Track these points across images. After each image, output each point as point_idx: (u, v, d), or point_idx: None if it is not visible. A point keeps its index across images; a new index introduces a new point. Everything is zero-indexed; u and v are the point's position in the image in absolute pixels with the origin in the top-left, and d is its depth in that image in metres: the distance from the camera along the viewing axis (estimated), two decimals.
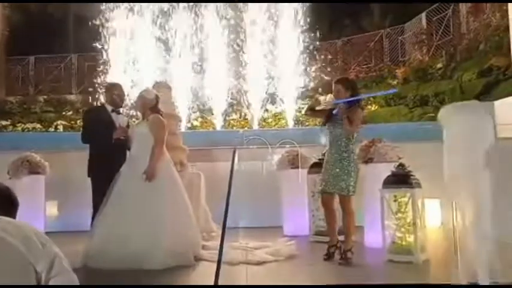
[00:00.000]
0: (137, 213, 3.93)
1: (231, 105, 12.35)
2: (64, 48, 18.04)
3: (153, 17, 12.27)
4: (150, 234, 3.85)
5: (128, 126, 4.67)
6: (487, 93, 11.03)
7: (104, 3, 12.31)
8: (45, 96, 15.81)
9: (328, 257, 4.24)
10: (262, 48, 12.09)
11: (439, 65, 13.91)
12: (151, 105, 4.31)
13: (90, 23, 12.24)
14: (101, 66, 12.58)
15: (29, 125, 13.60)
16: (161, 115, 4.34)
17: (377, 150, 4.86)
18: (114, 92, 4.69)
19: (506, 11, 10.44)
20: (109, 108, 4.66)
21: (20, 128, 13.29)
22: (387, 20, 17.64)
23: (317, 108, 4.41)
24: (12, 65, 16.75)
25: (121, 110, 4.85)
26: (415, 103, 11.74)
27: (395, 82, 14.05)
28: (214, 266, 3.94)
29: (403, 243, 4.02)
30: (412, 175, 4.13)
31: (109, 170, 4.18)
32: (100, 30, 12.34)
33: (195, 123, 12.42)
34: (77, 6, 17.25)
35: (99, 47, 12.49)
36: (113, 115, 4.61)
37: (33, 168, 6.10)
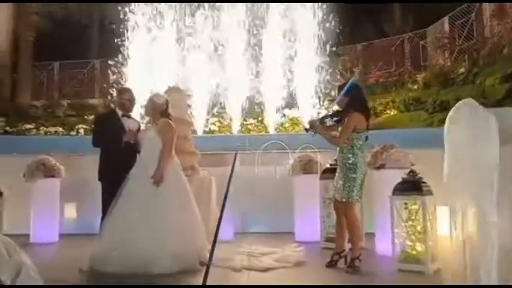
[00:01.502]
0: (143, 218, 3.94)
1: (247, 110, 12.31)
2: (88, 54, 18.47)
3: (173, 21, 12.39)
4: (155, 238, 3.86)
5: (138, 130, 4.71)
6: (509, 98, 10.73)
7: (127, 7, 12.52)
8: (68, 101, 16.17)
9: (330, 264, 4.18)
10: (281, 53, 12.03)
11: (462, 70, 13.61)
12: (161, 110, 4.34)
13: (113, 29, 12.49)
14: (122, 72, 12.75)
15: (51, 129, 13.89)
16: (170, 119, 4.35)
17: (389, 157, 4.76)
18: (124, 96, 4.74)
19: None
20: (119, 112, 4.71)
21: (42, 132, 13.58)
22: (409, 24, 17.40)
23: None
24: (38, 70, 17.21)
25: (132, 114, 4.89)
26: (435, 108, 11.50)
27: (415, 87, 13.84)
28: (220, 271, 3.97)
29: (413, 252, 3.92)
30: (423, 182, 4.02)
31: (119, 174, 4.22)
32: (122, 36, 12.59)
33: (213, 127, 12.46)
34: (101, 12, 17.61)
35: (121, 52, 12.70)
36: (123, 119, 4.66)
37: (48, 172, 6.22)
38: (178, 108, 5.57)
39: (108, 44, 13.35)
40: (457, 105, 2.60)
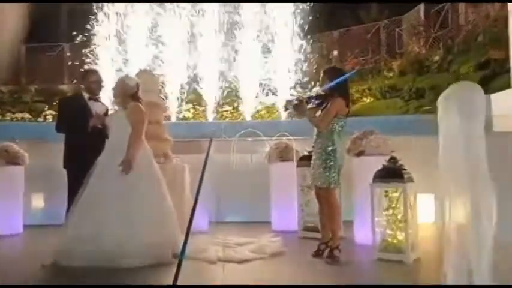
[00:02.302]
0: (111, 208, 3.69)
1: (223, 96, 12.09)
2: (57, 36, 17.76)
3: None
4: (124, 229, 3.62)
5: (106, 114, 4.42)
6: (483, 86, 10.77)
7: None
8: (36, 86, 15.57)
9: (317, 254, 4.04)
10: (257, 39, 11.82)
11: (436, 58, 13.72)
12: (131, 93, 4.06)
13: (84, 10, 12.07)
14: (91, 55, 12.32)
15: (18, 115, 13.37)
16: (141, 103, 4.09)
17: (368, 143, 4.63)
18: (91, 78, 4.44)
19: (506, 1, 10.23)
20: (86, 95, 4.41)
21: (8, 118, 13.06)
22: (385, 11, 17.37)
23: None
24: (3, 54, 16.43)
25: (100, 97, 4.59)
26: (411, 96, 11.55)
27: (391, 74, 13.87)
28: (195, 263, 3.78)
29: (394, 241, 3.81)
30: (404, 169, 3.91)
31: (85, 161, 3.95)
32: (92, 17, 12.25)
33: (187, 114, 12.19)
34: None
35: (90, 34, 12.29)
36: (90, 103, 4.37)
37: (12, 159, 5.87)
38: (150, 92, 5.30)
39: (78, 26, 12.87)
40: (452, 87, 2.44)
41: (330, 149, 3.90)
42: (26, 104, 14.30)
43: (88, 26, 12.40)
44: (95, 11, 12.26)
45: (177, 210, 4.22)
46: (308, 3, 11.99)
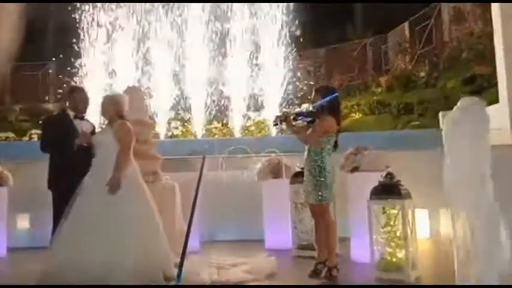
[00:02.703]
0: (99, 230, 3.52)
1: (212, 113, 12.02)
2: (42, 55, 17.56)
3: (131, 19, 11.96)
4: (111, 251, 3.44)
5: (93, 132, 4.27)
6: None
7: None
8: (21, 106, 15.32)
9: (315, 274, 3.90)
10: (245, 55, 11.83)
11: (422, 74, 13.91)
12: (118, 110, 3.93)
13: (69, 29, 11.96)
14: (78, 74, 12.18)
15: (2, 135, 13.09)
16: (128, 121, 3.96)
17: (362, 159, 4.55)
18: (76, 96, 4.29)
19: (489, 19, 10.45)
20: (71, 114, 4.25)
21: None
22: (370, 29, 17.60)
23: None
24: None
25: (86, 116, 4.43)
26: (399, 111, 11.62)
27: (379, 90, 13.97)
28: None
29: (393, 259, 3.70)
30: (401, 185, 3.82)
31: (71, 181, 3.78)
32: (78, 36, 12.16)
33: (176, 131, 12.05)
34: (57, 11, 16.83)
35: (77, 52, 12.19)
36: (76, 121, 4.21)
37: None
38: (137, 110, 5.17)
39: (64, 45, 12.75)
40: (459, 105, 2.38)
41: (320, 166, 3.85)
42: (10, 123, 14.05)
43: (74, 43, 12.27)
44: (81, 27, 12.17)
45: (167, 230, 4.07)
46: (294, 19, 12.08)
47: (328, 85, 4.44)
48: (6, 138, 12.71)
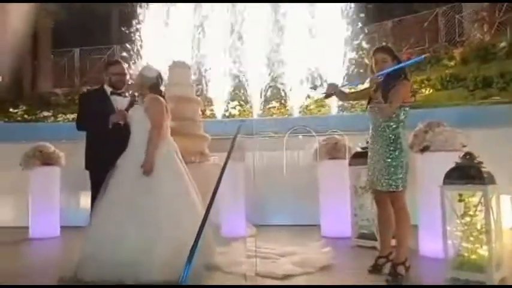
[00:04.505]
0: (131, 216, 3.20)
1: (269, 92, 11.62)
2: (108, 39, 18.09)
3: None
4: (144, 241, 3.12)
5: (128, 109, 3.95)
6: None
7: None
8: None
9: (375, 270, 3.37)
10: (304, 30, 11.23)
11: (503, 44, 12.56)
12: (149, 84, 3.56)
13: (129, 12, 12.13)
14: (136, 55, 12.27)
15: (70, 116, 13.56)
16: (162, 96, 3.59)
17: (435, 137, 3.89)
18: (113, 70, 3.97)
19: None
20: (108, 90, 3.97)
21: (61, 119, 13.26)
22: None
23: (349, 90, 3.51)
24: (58, 58, 17.01)
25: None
26: (476, 85, 10.44)
27: (452, 63, 12.78)
28: (228, 278, 3.26)
29: (473, 256, 3.06)
30: (483, 167, 3.14)
31: (108, 161, 3.51)
32: (137, 18, 12.34)
33: (233, 111, 11.80)
34: None
35: (135, 34, 12.30)
36: (113, 98, 3.92)
37: (46, 160, 5.66)
38: (182, 86, 4.86)
39: (126, 27, 12.95)
40: None
41: (395, 144, 3.22)
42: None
43: (134, 25, 12.41)
44: (139, 11, 12.28)
45: (212, 214, 3.70)
46: None
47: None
48: (73, 119, 13.14)
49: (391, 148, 3.22)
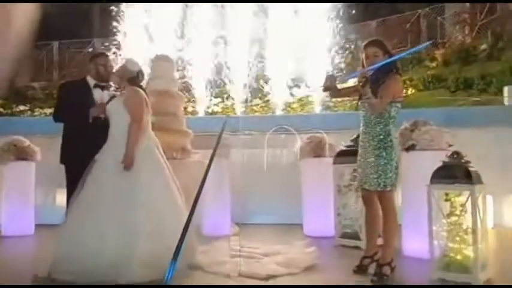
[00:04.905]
0: (109, 213, 3.06)
1: (252, 89, 11.54)
2: (88, 32, 17.72)
3: None
4: (125, 241, 2.98)
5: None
6: None
7: None
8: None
9: (360, 270, 3.30)
10: (288, 29, 11.18)
11: (483, 46, 12.78)
12: (129, 77, 3.40)
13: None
14: (116, 48, 12.04)
15: (47, 110, 13.25)
16: (142, 89, 3.44)
17: (421, 135, 3.86)
18: (99, 62, 3.81)
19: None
20: (91, 82, 3.81)
21: (37, 113, 12.94)
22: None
23: (340, 85, 3.40)
24: (37, 51, 16.57)
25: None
26: (457, 86, 10.57)
27: (434, 64, 12.94)
28: (211, 278, 3.16)
29: (458, 257, 3.03)
30: (470, 166, 3.11)
31: (85, 156, 3.36)
32: (118, 12, 12.16)
33: (216, 108, 11.68)
34: None
35: (116, 28, 12.07)
36: (96, 90, 3.76)
37: (21, 154, 5.45)
38: (165, 80, 4.72)
39: (107, 21, 12.70)
40: None
41: (385, 141, 3.14)
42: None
43: (116, 22, 12.20)
44: (121, 5, 12.06)
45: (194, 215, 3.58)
46: None
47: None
48: (50, 113, 12.85)
49: (382, 146, 3.14)
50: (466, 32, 14.13)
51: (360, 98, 3.29)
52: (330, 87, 3.35)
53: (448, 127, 4.31)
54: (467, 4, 14.71)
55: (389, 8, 17.01)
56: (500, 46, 12.27)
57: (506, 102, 8.42)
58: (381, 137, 3.15)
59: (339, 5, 11.64)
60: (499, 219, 5.66)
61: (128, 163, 3.15)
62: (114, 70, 3.64)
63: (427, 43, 3.13)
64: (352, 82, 3.45)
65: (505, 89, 8.50)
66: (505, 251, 4.35)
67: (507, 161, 5.88)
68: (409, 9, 16.18)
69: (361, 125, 3.30)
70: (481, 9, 14.15)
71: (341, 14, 11.63)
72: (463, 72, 11.28)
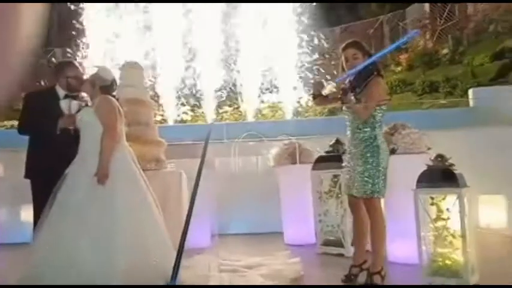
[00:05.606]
0: (83, 229, 2.84)
1: (222, 96, 11.41)
2: (49, 42, 17.09)
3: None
4: (99, 256, 2.78)
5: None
6: (502, 77, 10.19)
7: None
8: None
9: (348, 280, 3.19)
10: (257, 36, 11.14)
11: (445, 50, 13.21)
12: (102, 85, 3.20)
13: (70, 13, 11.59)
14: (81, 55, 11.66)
15: (7, 123, 12.66)
16: (115, 98, 3.24)
17: (401, 139, 3.83)
18: (71, 73, 3.57)
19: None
20: (61, 92, 3.56)
21: None
22: (386, 5, 16.77)
23: (325, 92, 3.29)
24: None
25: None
26: (424, 90, 10.82)
27: (399, 69, 13.24)
28: None
29: (447, 262, 2.99)
30: (455, 169, 3.09)
31: (53, 170, 3.11)
32: (82, 20, 11.83)
33: (185, 116, 11.45)
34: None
35: (80, 36, 11.71)
36: (64, 101, 3.52)
37: None
38: (136, 88, 4.52)
39: (69, 29, 12.28)
40: None
41: (373, 147, 3.05)
42: (18, 111, 13.54)
43: (78, 27, 11.81)
44: (82, 12, 11.70)
45: (171, 225, 3.40)
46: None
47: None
48: (12, 126, 12.29)
49: (369, 151, 3.06)
50: (428, 37, 14.54)
51: (343, 103, 3.21)
52: (320, 95, 3.22)
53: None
54: (427, 10, 15.18)
55: (352, 15, 17.34)
56: (460, 50, 12.69)
57: (471, 104, 8.65)
58: (368, 142, 3.07)
59: (304, 10, 11.69)
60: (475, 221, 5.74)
61: (102, 176, 2.93)
62: (85, 78, 3.41)
63: (414, 32, 3.01)
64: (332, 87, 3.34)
65: (470, 91, 8.75)
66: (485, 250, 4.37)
67: (477, 161, 5.98)
68: (371, 16, 16.54)
69: (348, 130, 3.21)
70: (441, 15, 14.63)
71: (305, 21, 11.68)
72: (428, 76, 11.58)
